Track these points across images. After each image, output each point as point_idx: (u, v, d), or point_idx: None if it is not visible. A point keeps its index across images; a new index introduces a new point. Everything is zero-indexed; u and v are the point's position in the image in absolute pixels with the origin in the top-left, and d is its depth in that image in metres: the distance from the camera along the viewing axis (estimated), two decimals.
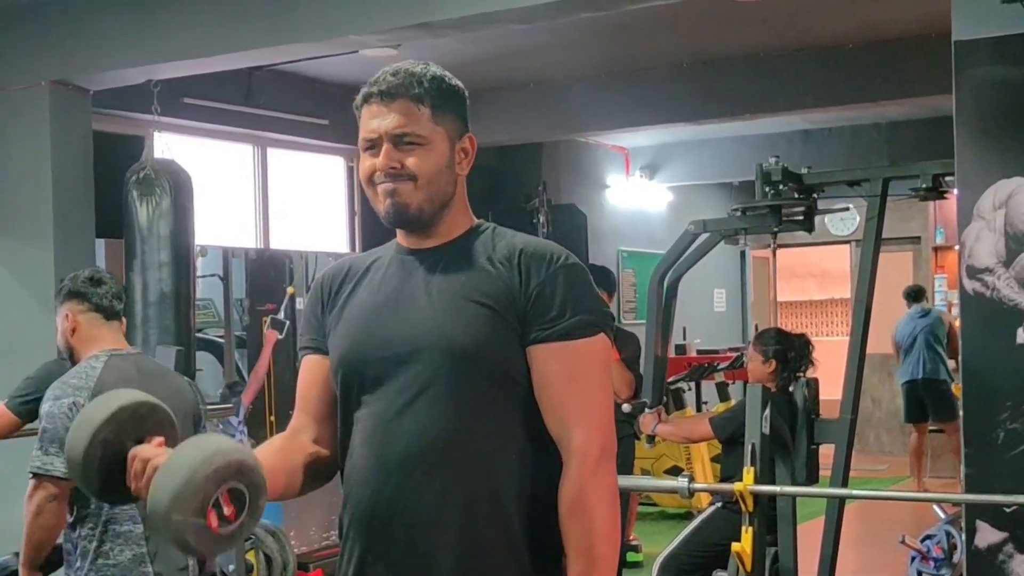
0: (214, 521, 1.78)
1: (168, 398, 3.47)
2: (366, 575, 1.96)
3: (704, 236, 4.94)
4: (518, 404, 1.93)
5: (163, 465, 1.80)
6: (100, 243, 6.18)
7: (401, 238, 2.06)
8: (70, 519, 3.31)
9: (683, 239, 4.86)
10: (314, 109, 7.69)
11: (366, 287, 2.05)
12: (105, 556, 3.25)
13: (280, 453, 2.04)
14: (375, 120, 1.97)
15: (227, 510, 1.80)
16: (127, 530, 3.27)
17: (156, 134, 6.28)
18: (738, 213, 4.87)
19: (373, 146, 1.97)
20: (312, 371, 2.09)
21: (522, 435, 1.93)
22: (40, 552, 3.28)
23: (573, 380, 1.92)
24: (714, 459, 8.06)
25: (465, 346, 1.90)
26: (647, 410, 4.92)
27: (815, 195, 4.83)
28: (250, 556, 6.11)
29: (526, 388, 1.93)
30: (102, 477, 1.91)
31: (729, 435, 4.74)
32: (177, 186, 5.88)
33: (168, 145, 6.18)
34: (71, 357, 3.47)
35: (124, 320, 3.56)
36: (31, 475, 3.23)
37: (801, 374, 4.80)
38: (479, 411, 1.91)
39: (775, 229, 4.80)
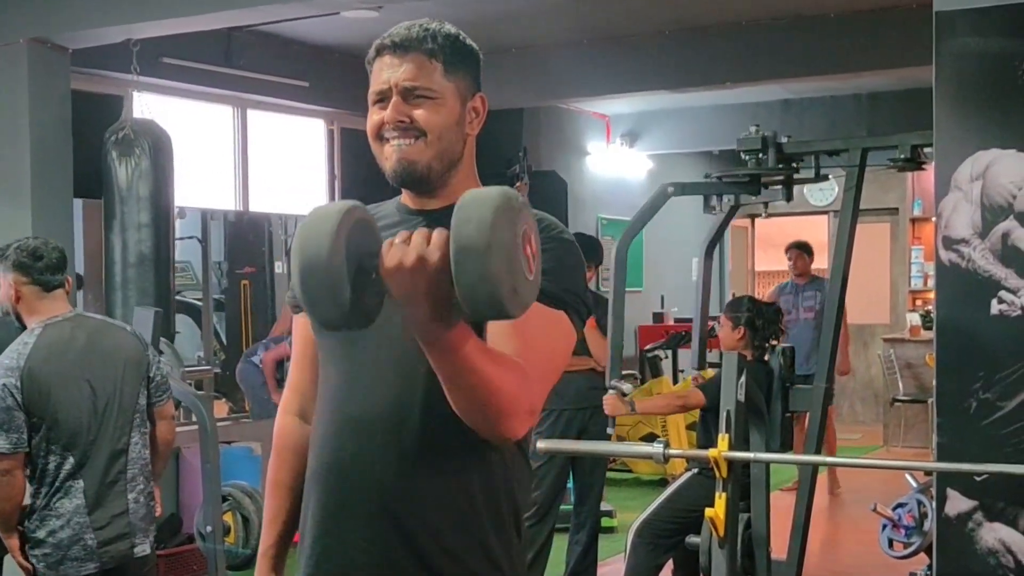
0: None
1: (111, 350, 3.72)
2: (320, 540, 1.94)
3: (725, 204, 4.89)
4: None
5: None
6: (78, 203, 6.15)
7: (405, 197, 2.02)
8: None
9: (658, 199, 4.76)
10: (294, 71, 7.66)
11: None
12: (51, 508, 3.59)
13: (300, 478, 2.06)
14: (387, 71, 1.91)
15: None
16: (69, 485, 3.59)
17: (135, 94, 6.24)
18: (713, 179, 4.88)
19: (383, 99, 1.92)
20: (305, 331, 2.07)
21: None
22: (9, 518, 3.61)
23: (522, 330, 1.77)
24: (689, 427, 8.11)
25: None
26: (610, 391, 4.65)
27: (794, 164, 4.85)
28: (227, 517, 6.13)
29: None
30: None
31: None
32: (157, 147, 5.85)
33: (147, 105, 6.14)
34: (18, 319, 3.76)
35: (68, 281, 3.82)
36: None
37: (773, 342, 4.85)
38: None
39: (754, 199, 4.82)
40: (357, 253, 1.58)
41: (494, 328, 1.80)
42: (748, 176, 4.81)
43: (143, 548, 3.74)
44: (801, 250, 8.67)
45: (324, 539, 1.94)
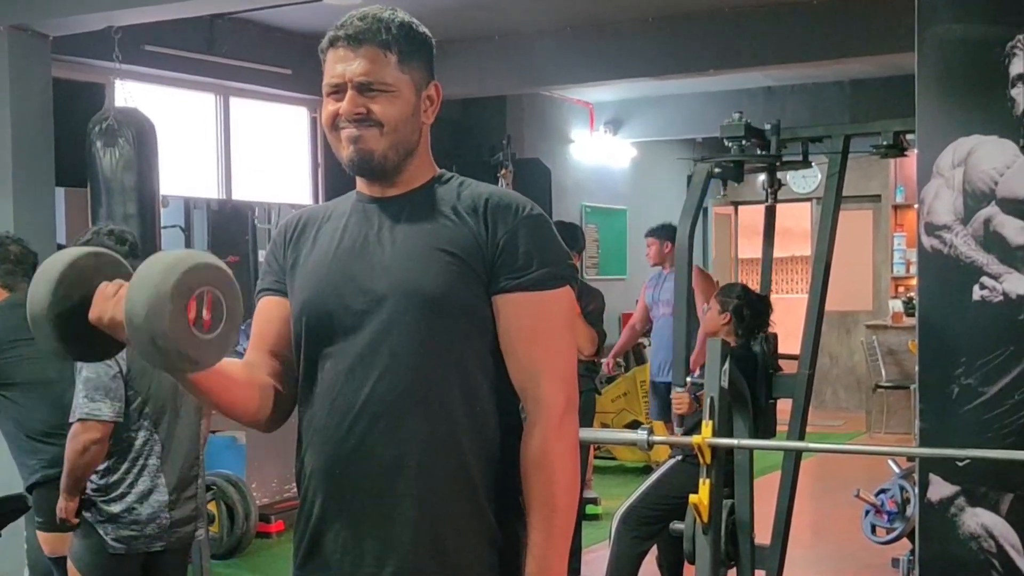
0: (195, 321, 1.72)
1: None
2: (327, 526, 1.95)
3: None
4: (483, 353, 1.92)
5: (136, 274, 1.74)
6: (60, 192, 6.12)
7: (362, 186, 2.03)
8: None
9: (703, 181, 4.56)
10: (277, 58, 7.63)
11: (327, 235, 2.01)
12: (131, 485, 3.58)
13: (247, 367, 2.01)
14: (340, 65, 1.93)
15: (205, 315, 1.75)
16: (153, 464, 3.60)
17: (117, 82, 6.22)
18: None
19: (338, 91, 1.94)
20: (270, 310, 2.05)
21: (486, 384, 1.92)
22: (81, 483, 3.55)
23: (539, 331, 1.92)
24: None
25: (431, 294, 1.88)
26: (677, 389, 4.53)
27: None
28: (212, 507, 6.13)
29: (492, 337, 1.92)
30: (68, 327, 1.81)
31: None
32: (140, 136, 5.83)
33: (130, 93, 6.12)
34: None
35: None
36: (78, 420, 3.50)
37: (759, 333, 4.85)
38: (443, 361, 1.89)
39: (772, 186, 4.79)
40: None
41: (513, 343, 1.92)
42: (732, 162, 4.81)
43: (201, 532, 3.86)
44: (655, 236, 7.40)
45: (327, 532, 1.94)
